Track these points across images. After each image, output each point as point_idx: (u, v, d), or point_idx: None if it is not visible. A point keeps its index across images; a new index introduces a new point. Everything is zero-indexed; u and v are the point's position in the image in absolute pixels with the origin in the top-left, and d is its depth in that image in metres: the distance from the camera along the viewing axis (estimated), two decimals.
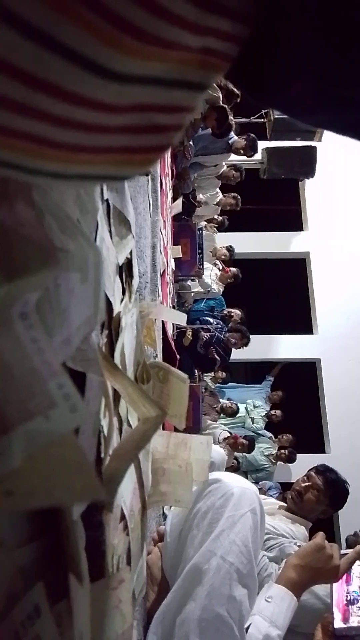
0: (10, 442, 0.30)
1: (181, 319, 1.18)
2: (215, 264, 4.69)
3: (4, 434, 0.30)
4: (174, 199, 3.46)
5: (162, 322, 1.83)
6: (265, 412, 5.42)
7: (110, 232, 0.69)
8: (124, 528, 0.67)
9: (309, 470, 1.72)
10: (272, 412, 5.39)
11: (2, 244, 0.32)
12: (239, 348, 4.14)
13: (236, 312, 4.46)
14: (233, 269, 4.66)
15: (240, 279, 4.72)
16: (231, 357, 4.28)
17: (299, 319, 6.31)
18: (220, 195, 4.88)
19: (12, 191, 0.33)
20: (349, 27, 0.28)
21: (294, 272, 6.49)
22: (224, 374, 4.86)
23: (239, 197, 4.80)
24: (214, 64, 0.29)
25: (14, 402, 0.31)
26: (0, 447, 0.30)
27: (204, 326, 4.08)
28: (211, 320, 4.11)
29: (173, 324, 3.28)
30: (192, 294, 4.35)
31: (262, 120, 5.65)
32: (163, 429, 1.65)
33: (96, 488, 0.34)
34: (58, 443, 0.32)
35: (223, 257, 4.75)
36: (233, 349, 4.12)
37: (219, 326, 4.07)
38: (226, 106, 3.68)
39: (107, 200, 0.68)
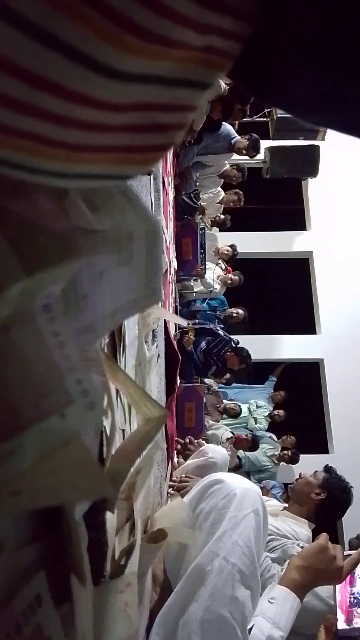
0: (23, 442, 0.30)
1: (182, 322, 1.17)
2: (218, 264, 4.68)
3: (17, 434, 0.30)
4: (176, 198, 3.46)
5: (165, 321, 1.82)
6: (268, 412, 5.41)
7: None
8: (130, 530, 0.67)
9: None
10: (275, 411, 5.38)
11: (22, 237, 0.32)
12: (235, 369, 4.06)
13: (239, 312, 4.45)
14: (235, 278, 4.61)
15: (242, 283, 4.67)
16: None
17: (302, 319, 6.30)
18: (222, 194, 4.87)
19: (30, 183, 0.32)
20: (351, 25, 0.28)
21: (296, 271, 6.48)
22: (228, 374, 4.86)
23: (242, 193, 4.79)
24: (217, 62, 0.29)
25: (31, 400, 0.30)
26: (13, 447, 0.30)
27: (206, 326, 4.07)
28: (221, 332, 4.07)
29: (175, 325, 3.28)
30: (194, 294, 4.34)
31: (265, 119, 5.64)
32: (165, 432, 1.65)
33: (103, 485, 0.34)
34: (66, 443, 0.31)
35: (226, 252, 4.74)
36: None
37: (222, 338, 4.02)
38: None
39: None
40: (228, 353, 3.96)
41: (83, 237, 0.34)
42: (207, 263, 3.96)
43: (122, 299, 0.39)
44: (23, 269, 0.30)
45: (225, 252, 4.76)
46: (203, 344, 3.96)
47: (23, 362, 0.30)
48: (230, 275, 4.64)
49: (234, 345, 4.03)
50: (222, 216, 4.89)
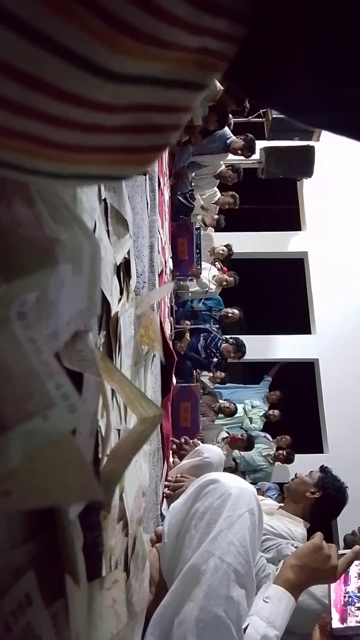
0: (8, 442, 0.30)
1: (168, 288, 1.19)
2: (214, 263, 4.68)
3: (2, 434, 0.30)
4: (171, 198, 3.46)
5: (160, 322, 1.82)
6: (264, 412, 5.41)
7: (107, 231, 0.69)
8: (122, 528, 0.67)
9: None
10: (270, 411, 5.39)
11: (0, 244, 0.32)
12: (233, 359, 4.18)
13: (234, 312, 4.46)
14: (229, 279, 4.63)
15: (237, 284, 4.69)
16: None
17: (297, 319, 6.31)
18: (219, 194, 4.88)
19: (10, 190, 0.33)
20: (346, 26, 0.28)
21: (292, 272, 6.49)
22: (222, 374, 4.87)
23: (237, 195, 4.80)
24: (212, 63, 0.29)
25: (12, 402, 0.31)
26: None
27: (201, 326, 4.09)
28: (215, 332, 4.15)
29: (170, 325, 3.28)
30: (190, 294, 4.34)
31: (260, 119, 5.64)
32: (161, 432, 1.65)
33: (94, 488, 0.34)
34: (56, 443, 0.32)
35: (221, 252, 4.75)
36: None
37: (216, 333, 4.12)
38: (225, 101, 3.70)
39: (104, 199, 0.68)
40: (225, 344, 4.10)
41: (56, 246, 0.34)
42: (202, 263, 3.97)
43: (75, 309, 0.40)
44: (1, 275, 0.30)
45: (221, 251, 4.76)
46: (202, 341, 4.02)
47: (1, 366, 0.30)
48: (225, 276, 4.64)
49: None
50: (217, 216, 4.90)
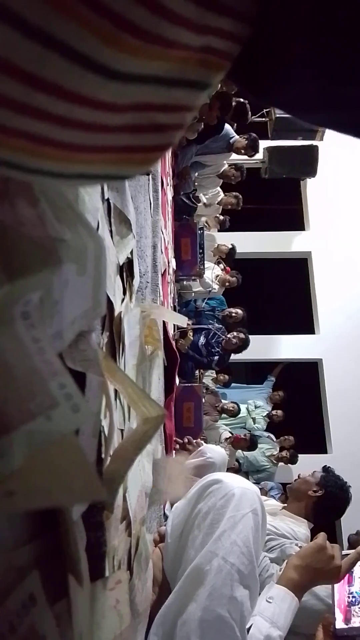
0: (12, 442, 0.30)
1: (182, 321, 1.19)
2: (219, 263, 4.67)
3: (5, 435, 0.30)
4: (174, 198, 3.46)
5: (164, 322, 1.82)
6: (267, 412, 5.41)
7: (110, 231, 0.69)
8: (125, 528, 0.67)
9: None
10: (274, 412, 5.38)
11: (2, 244, 0.32)
12: (236, 347, 4.16)
13: (238, 312, 4.46)
14: (232, 279, 4.62)
15: (240, 284, 4.69)
16: (233, 357, 4.31)
17: (301, 319, 6.30)
18: (222, 194, 4.87)
19: (13, 189, 0.33)
20: (347, 26, 0.28)
21: (295, 271, 6.48)
22: (226, 376, 4.85)
23: (240, 196, 4.79)
24: (215, 62, 0.29)
25: (15, 402, 0.31)
26: (2, 447, 0.30)
27: (204, 326, 4.09)
28: (217, 325, 4.15)
29: (174, 324, 3.28)
30: (193, 293, 4.34)
31: (264, 119, 5.63)
32: (164, 432, 1.65)
33: (97, 488, 0.34)
34: (59, 443, 0.31)
35: (223, 249, 4.75)
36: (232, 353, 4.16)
37: (217, 332, 4.13)
38: (228, 91, 3.69)
39: (107, 199, 0.68)
40: (227, 335, 4.09)
41: (59, 246, 0.34)
42: (205, 263, 3.97)
43: (79, 309, 0.40)
44: (5, 275, 0.30)
45: (224, 248, 4.76)
46: (202, 339, 4.02)
47: (4, 366, 0.30)
48: (228, 276, 4.64)
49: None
50: (222, 217, 4.89)
